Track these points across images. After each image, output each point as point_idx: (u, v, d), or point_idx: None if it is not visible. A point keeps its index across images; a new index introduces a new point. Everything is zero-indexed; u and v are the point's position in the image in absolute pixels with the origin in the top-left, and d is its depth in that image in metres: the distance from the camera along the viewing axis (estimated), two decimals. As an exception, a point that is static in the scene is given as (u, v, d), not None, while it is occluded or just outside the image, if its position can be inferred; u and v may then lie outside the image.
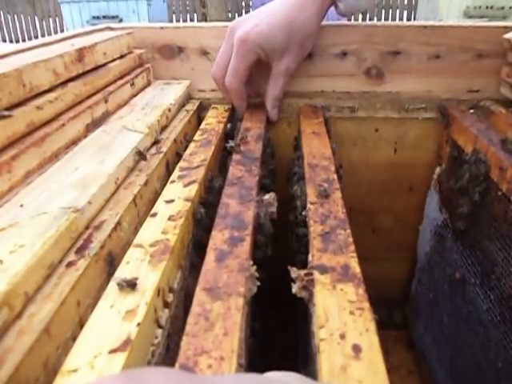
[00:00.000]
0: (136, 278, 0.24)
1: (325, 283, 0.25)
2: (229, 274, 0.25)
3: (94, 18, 3.33)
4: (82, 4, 3.33)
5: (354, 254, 0.28)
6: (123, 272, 0.25)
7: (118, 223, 0.30)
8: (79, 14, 3.37)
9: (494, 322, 0.44)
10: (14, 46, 0.42)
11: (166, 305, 0.27)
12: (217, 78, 0.53)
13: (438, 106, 0.57)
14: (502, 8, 2.87)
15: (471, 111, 0.55)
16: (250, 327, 0.29)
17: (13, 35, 4.91)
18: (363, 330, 0.22)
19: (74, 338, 0.22)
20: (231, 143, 0.43)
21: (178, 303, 0.29)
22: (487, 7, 2.90)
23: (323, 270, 0.26)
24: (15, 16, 4.83)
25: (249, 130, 0.49)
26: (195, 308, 0.23)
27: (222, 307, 0.23)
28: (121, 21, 3.27)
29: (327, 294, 0.24)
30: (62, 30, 4.62)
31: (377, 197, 0.65)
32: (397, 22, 3.31)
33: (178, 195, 0.34)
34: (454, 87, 0.57)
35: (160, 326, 0.25)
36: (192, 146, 0.44)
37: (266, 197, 0.34)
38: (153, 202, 0.34)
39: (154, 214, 0.31)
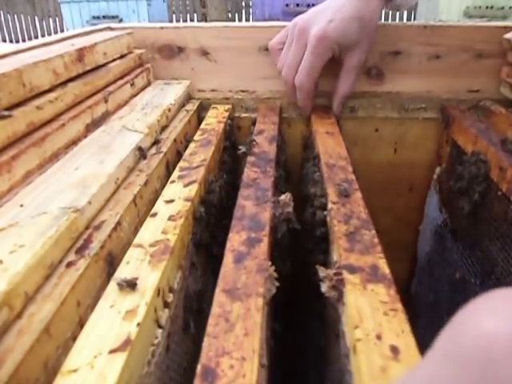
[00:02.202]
0: (136, 278, 0.24)
1: (355, 283, 0.25)
2: (247, 275, 0.25)
3: (94, 18, 3.32)
4: (82, 4, 3.33)
5: (382, 255, 0.27)
6: (123, 272, 0.25)
7: (118, 223, 0.30)
8: (79, 14, 3.37)
9: (494, 322, 0.44)
10: (14, 46, 0.42)
11: (166, 305, 0.27)
12: (288, 79, 0.53)
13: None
14: (502, 8, 2.87)
15: (471, 111, 0.55)
16: (271, 328, 0.29)
17: (13, 35, 4.91)
18: (399, 331, 0.22)
19: (74, 338, 0.22)
20: (243, 149, 0.44)
21: (177, 303, 0.29)
22: (487, 7, 2.90)
23: (352, 269, 0.26)
24: (15, 16, 4.82)
25: (262, 132, 0.49)
26: (215, 309, 0.23)
27: (242, 308, 0.23)
28: (121, 21, 3.27)
29: (358, 294, 0.24)
30: (62, 30, 4.62)
31: (377, 197, 0.65)
32: (397, 22, 3.31)
33: (178, 195, 0.34)
34: (453, 87, 0.57)
35: (160, 326, 0.25)
36: (192, 146, 0.44)
37: (282, 197, 0.35)
38: (153, 202, 0.34)
39: (154, 214, 0.31)
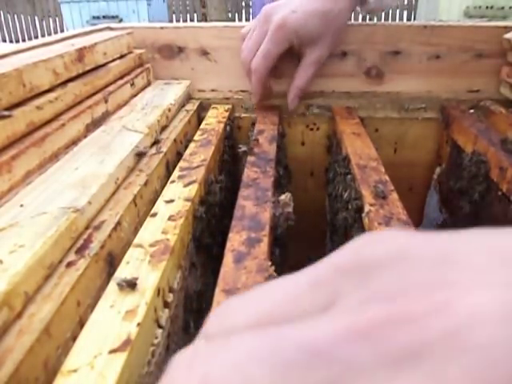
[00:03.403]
0: (136, 278, 0.24)
1: None
2: (247, 275, 0.25)
3: (94, 17, 3.33)
4: (82, 4, 3.33)
5: None
6: (123, 272, 0.25)
7: (118, 223, 0.30)
8: (79, 14, 3.37)
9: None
10: (14, 46, 0.42)
11: (166, 305, 0.27)
12: (245, 62, 0.53)
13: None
14: (502, 8, 2.87)
15: (471, 111, 0.55)
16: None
17: (13, 35, 4.91)
18: None
19: (74, 338, 0.22)
20: (243, 148, 0.44)
21: (177, 303, 0.29)
22: (487, 7, 2.90)
23: None
24: (15, 16, 4.83)
25: (262, 132, 0.49)
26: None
27: None
28: (121, 21, 3.27)
29: None
30: (62, 30, 4.62)
31: (377, 197, 0.65)
32: (397, 22, 3.31)
33: (178, 195, 0.34)
34: (453, 87, 0.57)
35: (160, 326, 0.25)
36: (192, 146, 0.44)
37: (282, 197, 0.34)
38: (153, 202, 0.34)
39: (154, 214, 0.31)
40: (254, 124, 0.54)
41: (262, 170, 0.39)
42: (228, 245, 0.28)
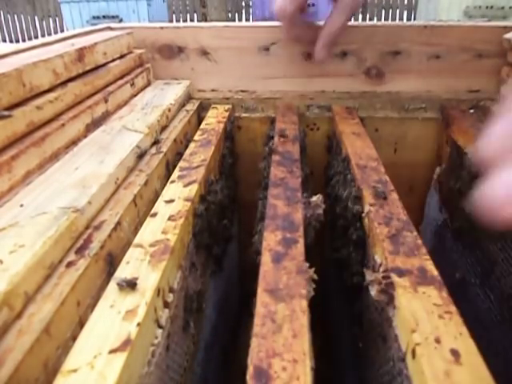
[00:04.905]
0: (136, 278, 0.24)
1: (405, 286, 0.25)
2: (288, 276, 0.25)
3: (94, 17, 3.32)
4: (82, 4, 3.33)
5: (428, 257, 0.27)
6: (123, 272, 0.25)
7: (118, 223, 0.30)
8: (79, 14, 3.37)
9: (494, 321, 0.44)
10: (14, 46, 0.42)
11: (166, 305, 0.27)
12: (279, 12, 0.48)
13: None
14: (502, 8, 2.87)
15: (471, 111, 0.55)
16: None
17: (13, 35, 4.91)
18: (457, 333, 0.21)
19: (74, 338, 0.22)
20: (272, 143, 0.44)
21: (177, 303, 0.29)
22: (487, 7, 2.90)
23: (400, 272, 0.26)
24: (15, 16, 4.83)
25: (284, 131, 0.49)
26: (260, 309, 0.23)
27: (287, 309, 0.23)
28: (121, 21, 3.26)
29: (410, 298, 0.24)
30: (62, 30, 4.62)
31: (377, 197, 0.65)
32: (397, 22, 3.31)
33: (178, 195, 0.34)
34: (454, 87, 0.57)
35: (160, 326, 0.25)
36: (192, 146, 0.44)
37: (314, 199, 0.34)
38: (153, 201, 0.34)
39: (154, 214, 0.31)
40: (273, 122, 0.53)
41: (289, 169, 0.39)
42: (264, 244, 0.28)
